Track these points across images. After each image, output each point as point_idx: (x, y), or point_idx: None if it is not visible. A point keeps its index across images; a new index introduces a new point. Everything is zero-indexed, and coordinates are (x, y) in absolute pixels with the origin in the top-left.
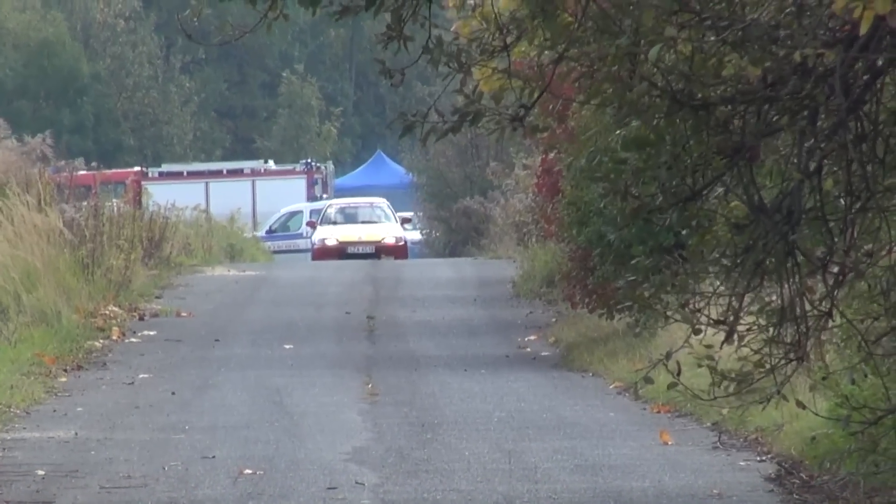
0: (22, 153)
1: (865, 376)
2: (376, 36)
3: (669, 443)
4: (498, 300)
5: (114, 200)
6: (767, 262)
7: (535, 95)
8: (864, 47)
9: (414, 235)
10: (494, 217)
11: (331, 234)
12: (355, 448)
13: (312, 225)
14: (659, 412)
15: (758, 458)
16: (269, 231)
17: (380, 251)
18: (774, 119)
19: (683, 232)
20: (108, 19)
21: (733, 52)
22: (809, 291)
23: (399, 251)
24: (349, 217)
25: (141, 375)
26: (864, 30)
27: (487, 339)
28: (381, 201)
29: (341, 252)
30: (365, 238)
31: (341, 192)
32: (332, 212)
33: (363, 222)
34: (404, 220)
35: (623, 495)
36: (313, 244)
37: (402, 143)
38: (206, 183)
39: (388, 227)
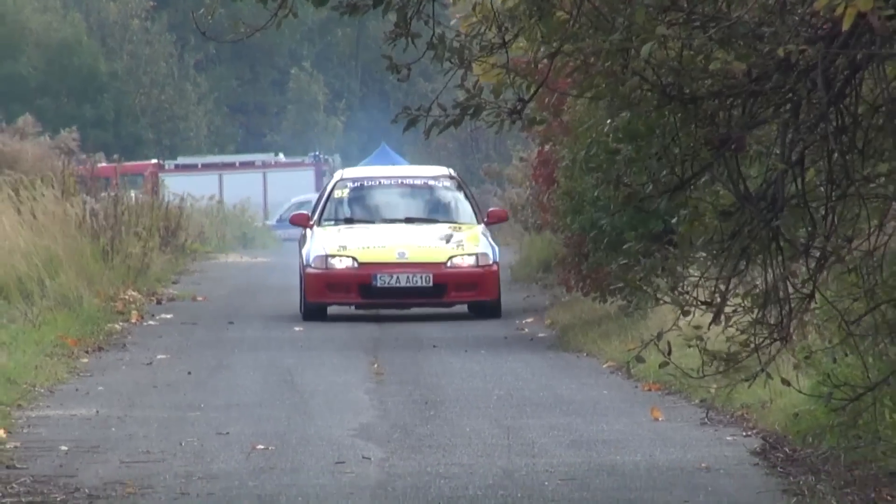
0: (50, 148)
1: (846, 355)
2: (385, 33)
3: (660, 419)
4: None
5: (132, 192)
6: (752, 247)
7: (533, 90)
8: (845, 44)
9: None
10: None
11: (340, 246)
12: (362, 424)
13: (303, 221)
14: (650, 390)
15: (744, 434)
16: (280, 220)
17: (443, 284)
18: (759, 112)
19: (673, 219)
20: (121, 19)
21: (720, 48)
22: (792, 275)
23: (486, 284)
24: (378, 209)
25: (159, 356)
26: (846, 26)
27: (487, 322)
28: (444, 173)
29: (363, 284)
30: (411, 256)
31: None
32: (342, 195)
33: (408, 220)
34: (492, 219)
35: (616, 469)
36: (306, 265)
37: (405, 135)
38: (220, 175)
39: (459, 233)
